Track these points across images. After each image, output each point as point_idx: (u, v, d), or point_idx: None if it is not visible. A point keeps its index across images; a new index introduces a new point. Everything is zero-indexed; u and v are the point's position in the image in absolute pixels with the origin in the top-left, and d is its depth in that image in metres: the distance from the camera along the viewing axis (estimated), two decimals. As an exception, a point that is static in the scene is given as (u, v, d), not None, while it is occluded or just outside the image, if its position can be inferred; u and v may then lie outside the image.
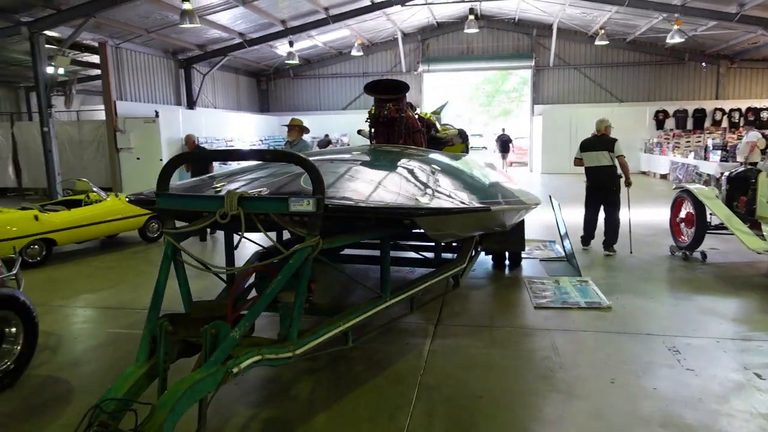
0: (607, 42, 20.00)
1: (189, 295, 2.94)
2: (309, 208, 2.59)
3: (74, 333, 5.04)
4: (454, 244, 5.87)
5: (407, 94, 6.00)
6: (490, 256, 7.07)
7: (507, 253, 6.92)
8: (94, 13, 12.36)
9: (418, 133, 6.03)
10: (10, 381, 3.79)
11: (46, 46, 12.97)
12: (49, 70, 12.85)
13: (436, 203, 3.01)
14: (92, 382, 3.91)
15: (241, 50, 19.29)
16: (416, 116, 6.40)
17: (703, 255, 7.02)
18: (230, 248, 3.75)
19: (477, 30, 18.68)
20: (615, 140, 7.44)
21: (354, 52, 21.58)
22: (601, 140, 7.53)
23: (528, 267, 7.03)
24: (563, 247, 7.58)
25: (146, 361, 2.38)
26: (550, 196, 7.46)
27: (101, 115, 16.33)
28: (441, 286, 5.15)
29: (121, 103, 15.75)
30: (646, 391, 3.63)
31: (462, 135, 7.17)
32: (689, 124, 21.19)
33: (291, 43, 18.61)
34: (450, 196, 3.33)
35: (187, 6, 12.06)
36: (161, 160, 14.86)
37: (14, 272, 4.67)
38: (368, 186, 3.13)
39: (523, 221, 6.69)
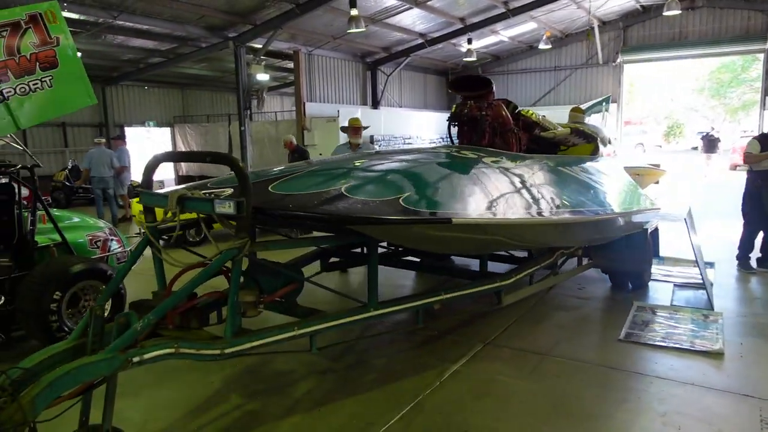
0: None
1: (163, 285, 3.19)
2: (230, 210, 2.61)
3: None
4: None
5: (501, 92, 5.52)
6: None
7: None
8: (281, 25, 13.91)
9: (509, 132, 5.49)
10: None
11: (250, 56, 15.10)
12: (261, 77, 15.04)
13: (397, 214, 2.73)
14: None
15: (425, 50, 19.75)
16: (517, 115, 5.85)
17: None
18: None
19: (679, 11, 16.09)
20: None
21: (541, 46, 20.42)
22: None
23: (656, 291, 5.93)
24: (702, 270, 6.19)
25: (76, 339, 2.68)
26: (689, 209, 6.12)
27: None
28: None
29: (311, 104, 17.43)
30: (677, 467, 2.83)
31: (581, 134, 6.32)
32: None
33: (469, 41, 18.42)
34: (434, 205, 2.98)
35: (354, 12, 12.81)
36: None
37: (129, 248, 5.62)
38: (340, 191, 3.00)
39: (644, 236, 5.66)
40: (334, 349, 4.34)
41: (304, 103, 17.02)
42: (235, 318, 2.79)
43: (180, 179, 21.13)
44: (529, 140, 6.03)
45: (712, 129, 19.78)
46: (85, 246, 5.22)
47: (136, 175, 19.07)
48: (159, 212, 3.15)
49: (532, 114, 5.93)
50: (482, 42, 21.05)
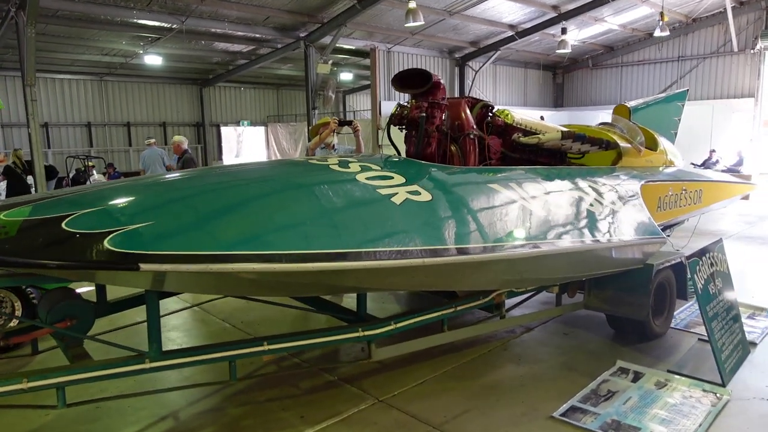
0: None
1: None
2: None
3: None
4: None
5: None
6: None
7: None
8: (345, 21, 13.55)
9: (466, 138, 4.48)
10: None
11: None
12: (345, 76, 14.90)
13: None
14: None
15: (518, 43, 18.26)
16: (486, 117, 4.81)
17: None
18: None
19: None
20: None
21: (657, 33, 17.78)
22: None
23: (671, 346, 4.57)
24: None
25: None
26: (718, 243, 4.53)
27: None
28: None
29: (387, 102, 16.90)
30: None
31: (586, 139, 5.01)
32: None
33: (563, 30, 16.59)
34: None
35: (411, 5, 12.03)
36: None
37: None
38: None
39: (647, 274, 4.33)
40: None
41: (379, 103, 16.55)
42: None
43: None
44: (510, 148, 4.94)
45: None
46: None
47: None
48: None
49: (508, 115, 4.83)
50: (588, 31, 19.00)
